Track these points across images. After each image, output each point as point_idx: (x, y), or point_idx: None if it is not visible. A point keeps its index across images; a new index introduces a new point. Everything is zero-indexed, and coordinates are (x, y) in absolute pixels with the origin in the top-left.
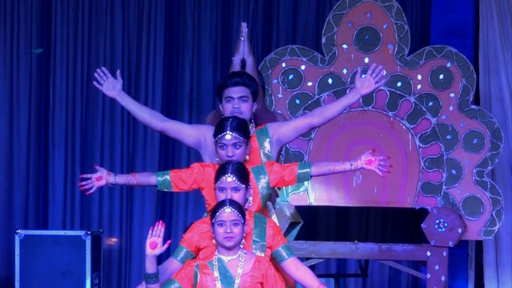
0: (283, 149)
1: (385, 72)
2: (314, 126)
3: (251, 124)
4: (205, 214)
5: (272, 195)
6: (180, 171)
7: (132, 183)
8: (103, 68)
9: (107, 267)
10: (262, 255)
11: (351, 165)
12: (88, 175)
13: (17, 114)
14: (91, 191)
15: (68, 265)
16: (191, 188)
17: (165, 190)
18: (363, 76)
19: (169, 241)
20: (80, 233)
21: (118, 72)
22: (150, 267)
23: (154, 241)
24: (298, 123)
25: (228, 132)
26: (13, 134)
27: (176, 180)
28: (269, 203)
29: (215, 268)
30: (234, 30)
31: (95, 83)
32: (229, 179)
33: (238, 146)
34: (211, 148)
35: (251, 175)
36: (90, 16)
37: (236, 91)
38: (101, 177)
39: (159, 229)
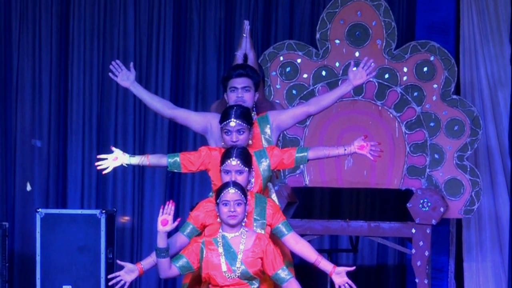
0: (281, 135)
1: (373, 64)
2: (310, 114)
3: (253, 112)
4: (211, 194)
5: (272, 177)
6: (189, 154)
7: (145, 164)
8: (118, 61)
9: (120, 243)
10: (262, 232)
11: (345, 149)
12: (105, 156)
13: (39, 103)
14: (107, 170)
15: (84, 241)
16: (199, 169)
17: (175, 170)
18: (354, 68)
19: (179, 219)
20: (96, 212)
21: (131, 65)
22: (161, 242)
23: (165, 218)
24: (296, 111)
25: (233, 119)
26: (35, 122)
27: (185, 161)
28: (269, 184)
29: (220, 244)
30: (236, 27)
31: (110, 74)
32: (234, 162)
33: (242, 132)
34: (217, 134)
35: (253, 159)
36: (105, 14)
37: (240, 82)
38: (116, 158)
39: (170, 207)
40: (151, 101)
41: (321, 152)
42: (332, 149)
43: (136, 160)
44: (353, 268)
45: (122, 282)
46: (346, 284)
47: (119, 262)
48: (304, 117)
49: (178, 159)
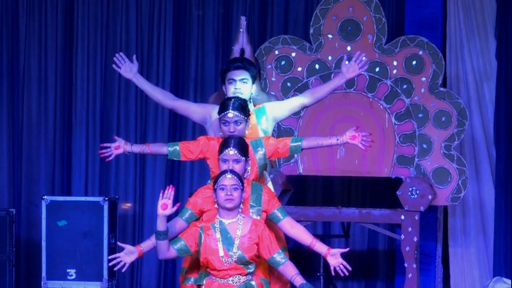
0: (275, 125)
1: (364, 58)
2: (305, 106)
3: (250, 103)
4: (209, 181)
5: (268, 165)
6: (188, 143)
7: (146, 152)
8: (121, 53)
9: (122, 229)
10: (258, 218)
11: (337, 139)
12: (108, 144)
13: (45, 95)
14: (110, 158)
15: (88, 227)
16: (197, 157)
17: (175, 159)
18: (346, 62)
19: (178, 204)
20: (99, 199)
21: (134, 57)
22: (160, 225)
23: (165, 202)
24: (292, 103)
25: (230, 111)
26: (41, 113)
27: (185, 150)
28: (265, 172)
29: (217, 230)
30: (233, 23)
31: (114, 66)
32: (231, 152)
33: (239, 123)
34: (216, 124)
35: (250, 148)
36: (108, 10)
37: (237, 74)
38: (119, 146)
39: (169, 192)
40: (153, 92)
41: (315, 142)
42: (325, 139)
43: (137, 148)
44: (347, 249)
45: (122, 263)
46: (341, 265)
47: (119, 244)
48: (300, 109)
49: (177, 147)
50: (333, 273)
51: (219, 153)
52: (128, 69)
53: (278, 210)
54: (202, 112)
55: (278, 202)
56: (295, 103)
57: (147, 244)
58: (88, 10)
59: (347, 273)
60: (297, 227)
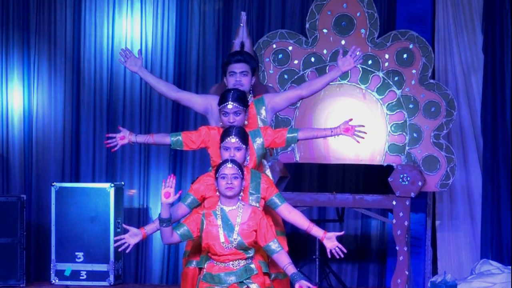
0: (273, 115)
1: (358, 53)
2: (302, 97)
3: (250, 95)
4: (210, 169)
5: (266, 154)
6: (190, 133)
7: (149, 142)
8: (126, 48)
9: (127, 214)
10: (257, 205)
11: (332, 131)
12: (113, 135)
13: (55, 87)
14: (116, 148)
15: (95, 212)
16: (199, 147)
17: (178, 148)
18: (341, 56)
19: (180, 191)
20: (105, 185)
21: (139, 51)
22: (164, 213)
23: (168, 191)
24: (290, 94)
25: (230, 102)
26: (51, 104)
27: (187, 140)
28: (263, 160)
29: (218, 217)
30: (233, 18)
31: (120, 60)
32: (233, 140)
33: (238, 114)
34: (216, 114)
35: (249, 137)
36: (114, 5)
37: (238, 67)
38: (123, 137)
39: (171, 181)
40: (157, 84)
41: (310, 133)
42: (320, 130)
43: (141, 138)
44: (342, 233)
45: (126, 245)
46: (337, 248)
47: (124, 226)
48: (297, 100)
49: (180, 138)
50: (329, 256)
51: (221, 141)
52: (133, 62)
53: (276, 197)
54: (204, 103)
55: (276, 189)
56: (292, 95)
57: (151, 227)
58: (96, 5)
59: (342, 255)
60: (294, 213)
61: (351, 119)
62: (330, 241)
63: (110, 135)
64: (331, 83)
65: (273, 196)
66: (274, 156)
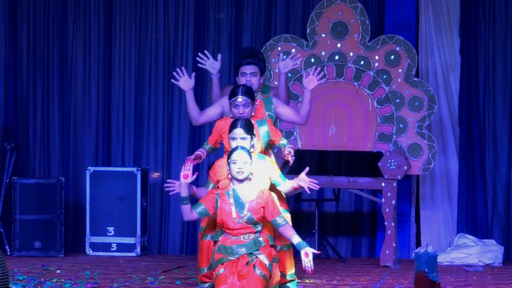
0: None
1: (322, 72)
2: (297, 123)
3: (259, 92)
4: (223, 154)
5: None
6: (211, 136)
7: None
8: (182, 68)
9: (152, 194)
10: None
11: (292, 185)
12: (173, 181)
13: (89, 83)
14: (172, 193)
15: (124, 192)
16: (220, 140)
17: (212, 151)
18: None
19: (197, 173)
20: (133, 169)
21: (193, 75)
22: (183, 192)
23: (186, 173)
24: (291, 115)
25: (239, 95)
26: (86, 98)
27: (212, 142)
28: (269, 151)
29: (231, 196)
30: (244, 24)
31: (172, 80)
32: (239, 131)
33: (247, 106)
34: (229, 111)
35: (256, 126)
36: (141, 13)
37: (248, 69)
38: (187, 175)
39: (189, 164)
40: (193, 108)
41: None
42: (291, 182)
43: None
44: (307, 169)
45: (173, 189)
46: (310, 183)
47: (169, 180)
48: (289, 122)
49: (210, 145)
50: (308, 192)
51: (229, 132)
52: (186, 83)
53: (280, 176)
54: (218, 109)
55: (278, 169)
56: (292, 116)
57: (198, 191)
58: (125, 13)
59: (317, 187)
60: (285, 184)
61: (307, 170)
62: (303, 182)
63: (169, 181)
64: (328, 81)
65: (276, 177)
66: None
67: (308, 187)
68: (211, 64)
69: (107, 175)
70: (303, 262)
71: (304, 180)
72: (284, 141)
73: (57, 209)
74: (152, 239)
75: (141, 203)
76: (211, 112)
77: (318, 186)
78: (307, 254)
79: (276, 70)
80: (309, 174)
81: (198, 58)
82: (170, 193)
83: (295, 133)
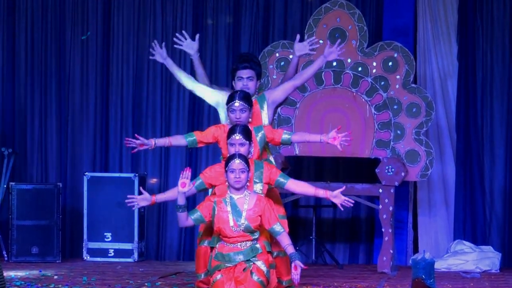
0: (276, 113)
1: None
2: (296, 86)
3: (256, 95)
4: (221, 158)
5: (268, 146)
6: (201, 132)
7: (168, 145)
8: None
9: None
10: (261, 192)
11: (321, 140)
12: (133, 140)
13: (86, 87)
14: (135, 150)
15: (121, 198)
16: (211, 142)
17: (193, 147)
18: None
19: (194, 182)
20: (131, 175)
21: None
22: (180, 200)
23: (184, 181)
24: (286, 86)
25: (237, 100)
26: (83, 102)
27: (200, 138)
28: (268, 148)
29: (228, 204)
30: (241, 30)
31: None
32: (237, 137)
33: (243, 111)
34: (223, 107)
35: (253, 132)
36: (138, 19)
37: (245, 73)
38: (142, 144)
39: (187, 173)
40: (179, 73)
41: (303, 137)
42: (312, 136)
43: (161, 143)
44: (343, 188)
45: (135, 203)
46: (344, 201)
47: (141, 189)
48: (292, 90)
49: (194, 137)
50: (341, 209)
51: (227, 138)
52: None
53: (281, 176)
54: (216, 96)
55: (278, 170)
56: (288, 86)
57: (161, 197)
58: (123, 19)
59: (351, 205)
60: (301, 184)
61: (339, 127)
62: (337, 198)
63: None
64: (326, 87)
65: (278, 177)
66: (276, 149)
67: (341, 204)
68: (189, 45)
69: (104, 180)
70: (291, 274)
71: (338, 197)
72: (287, 135)
73: (54, 215)
74: (149, 245)
75: (138, 209)
76: (208, 93)
77: (352, 204)
78: (296, 268)
79: (274, 76)
80: (307, 180)
81: (175, 39)
82: (133, 208)
83: (292, 120)
